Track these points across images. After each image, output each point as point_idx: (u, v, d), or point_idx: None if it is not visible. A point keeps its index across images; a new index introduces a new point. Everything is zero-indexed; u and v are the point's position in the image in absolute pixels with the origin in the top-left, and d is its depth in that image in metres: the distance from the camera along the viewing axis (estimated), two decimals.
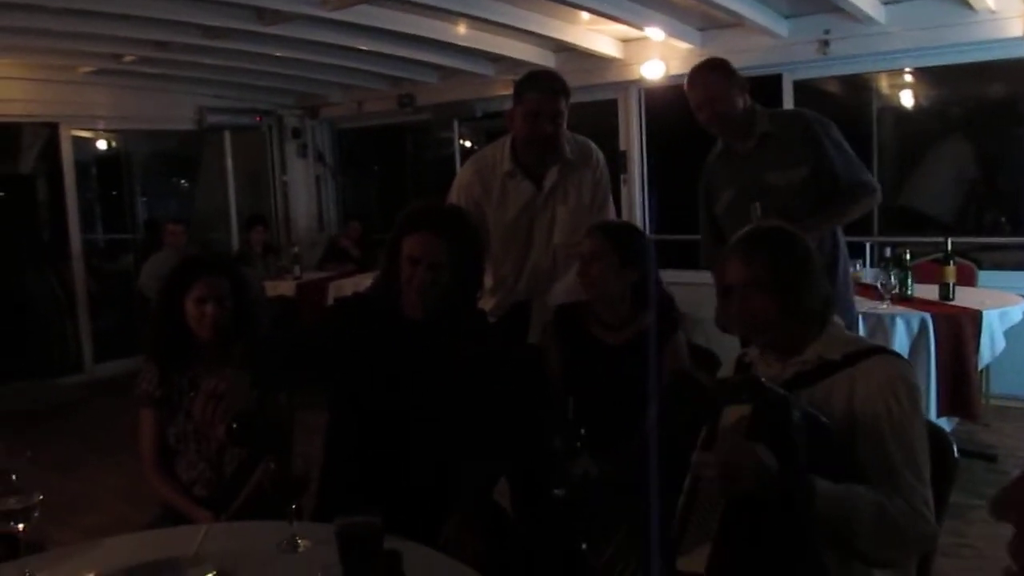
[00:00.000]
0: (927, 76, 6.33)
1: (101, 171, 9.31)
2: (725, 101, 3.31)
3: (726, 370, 2.18)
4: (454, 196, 3.27)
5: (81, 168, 8.06)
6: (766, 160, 3.34)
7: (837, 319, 1.96)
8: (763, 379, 1.73)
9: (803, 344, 1.90)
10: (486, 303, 3.27)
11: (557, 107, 3.08)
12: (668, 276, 7.53)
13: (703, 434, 1.71)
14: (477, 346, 2.33)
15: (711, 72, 3.35)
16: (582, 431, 2.48)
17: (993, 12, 5.14)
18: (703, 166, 3.61)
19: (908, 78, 6.45)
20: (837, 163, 3.28)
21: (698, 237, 3.77)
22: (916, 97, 6.56)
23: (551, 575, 2.29)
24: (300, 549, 1.85)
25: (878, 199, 3.41)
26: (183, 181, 10.10)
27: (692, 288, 5.93)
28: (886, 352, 1.91)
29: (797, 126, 3.35)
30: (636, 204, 7.05)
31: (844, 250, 3.49)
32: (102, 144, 9.23)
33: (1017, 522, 0.86)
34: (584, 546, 2.03)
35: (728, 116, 3.34)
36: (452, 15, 5.77)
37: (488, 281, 3.29)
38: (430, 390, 2.22)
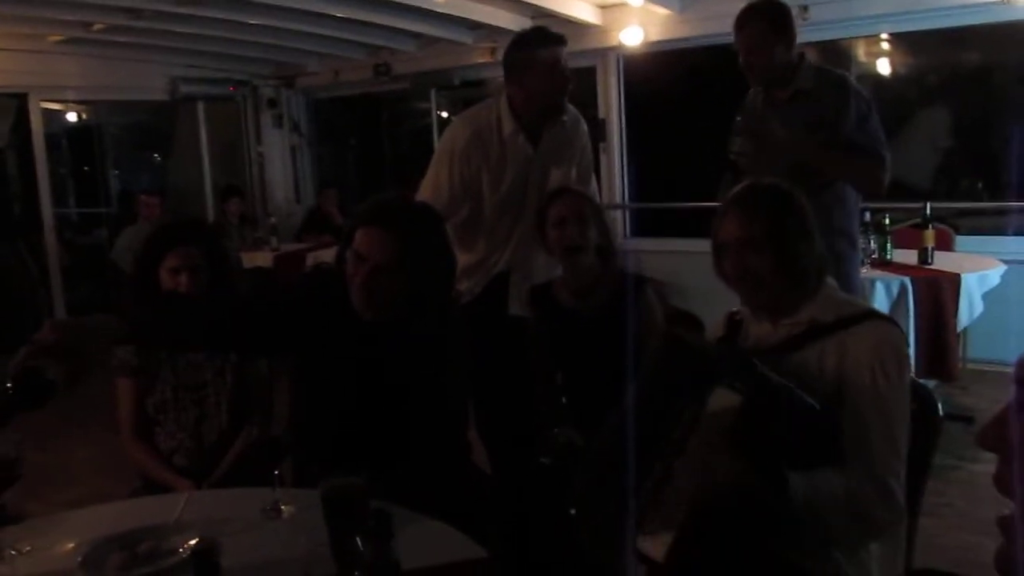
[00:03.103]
0: (905, 43, 6.33)
1: (72, 143, 9.19)
2: (762, 52, 3.23)
3: (711, 331, 2.14)
4: (446, 159, 3.19)
5: (52, 140, 7.93)
6: (791, 115, 3.25)
7: (831, 280, 1.93)
8: (758, 364, 1.65)
9: (796, 305, 1.87)
10: (465, 281, 3.25)
11: (566, 58, 3.12)
12: (648, 244, 7.55)
13: (687, 413, 1.65)
14: (433, 346, 2.14)
15: (757, 18, 3.27)
16: (564, 400, 2.48)
17: None
18: (742, 102, 3.52)
19: (886, 45, 6.44)
20: (853, 133, 3.20)
21: (677, 204, 3.74)
22: (894, 64, 6.56)
23: (538, 539, 2.29)
24: (284, 514, 1.83)
25: (882, 178, 3.26)
26: (156, 153, 9.98)
27: (671, 255, 5.98)
28: (880, 317, 1.89)
29: (834, 89, 3.25)
30: (615, 172, 7.02)
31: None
32: (72, 116, 9.10)
33: (1001, 451, 0.87)
34: (573, 511, 1.99)
35: (764, 67, 3.26)
36: None
37: (475, 256, 3.27)
38: (384, 380, 2.10)
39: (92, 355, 1.81)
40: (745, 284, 1.89)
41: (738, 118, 3.48)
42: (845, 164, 3.24)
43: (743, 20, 3.29)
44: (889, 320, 1.92)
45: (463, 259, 3.21)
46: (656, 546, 1.66)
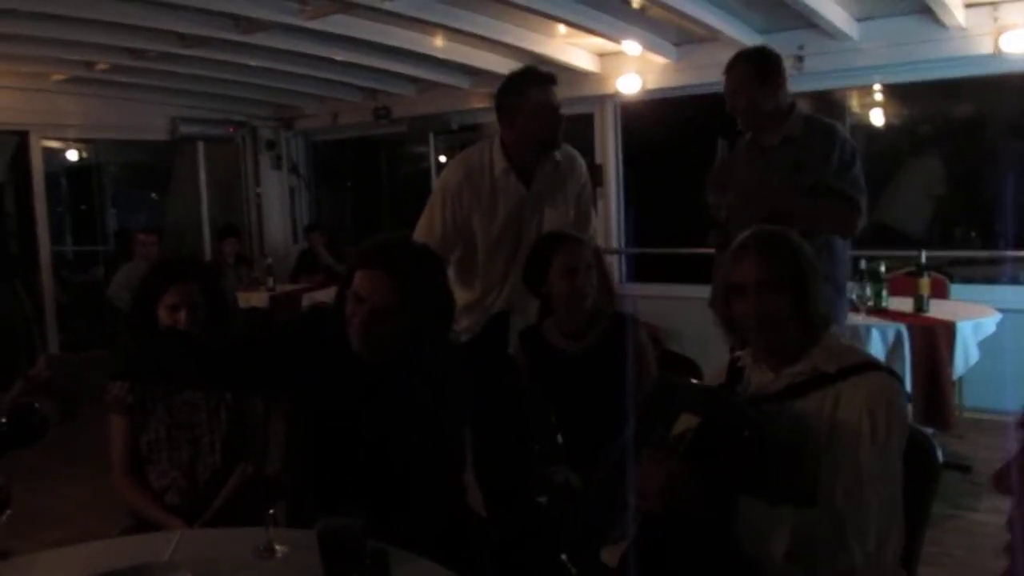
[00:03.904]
0: (899, 93, 6.41)
1: (71, 181, 9.22)
2: (748, 95, 3.29)
3: (711, 377, 2.15)
4: (439, 200, 3.22)
5: (51, 178, 7.96)
6: (779, 162, 3.29)
7: (834, 328, 1.94)
8: (723, 391, 1.74)
9: (800, 352, 1.87)
10: (460, 321, 3.25)
11: (557, 98, 3.14)
12: (645, 289, 7.56)
13: (657, 434, 1.70)
14: (432, 387, 2.12)
15: (742, 63, 3.34)
16: (559, 439, 2.48)
17: (964, 29, 5.20)
18: (733, 150, 3.53)
19: (879, 96, 6.53)
20: (833, 178, 3.24)
21: (674, 251, 3.75)
22: (888, 114, 6.64)
23: None
24: (278, 554, 1.80)
25: (856, 223, 3.31)
26: (154, 193, 10.02)
27: (667, 301, 6.00)
28: (880, 368, 1.88)
29: (822, 138, 3.29)
30: (613, 218, 7.07)
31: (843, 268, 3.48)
32: (72, 154, 9.14)
33: (1018, 494, 0.87)
34: (564, 556, 1.99)
35: (749, 110, 3.31)
36: (429, 26, 5.76)
37: (472, 295, 3.28)
38: (382, 420, 2.08)
39: (86, 391, 1.80)
40: (761, 326, 1.88)
41: (715, 164, 3.52)
42: (817, 210, 3.24)
43: (731, 63, 3.38)
44: (888, 370, 1.90)
45: (463, 297, 3.24)
46: (612, 554, 1.68)
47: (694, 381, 2.01)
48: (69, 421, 1.75)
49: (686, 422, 1.68)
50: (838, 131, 3.34)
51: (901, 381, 1.91)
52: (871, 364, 1.89)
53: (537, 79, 3.15)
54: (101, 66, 6.57)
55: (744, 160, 3.46)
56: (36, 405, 1.69)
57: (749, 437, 1.67)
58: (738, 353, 2.01)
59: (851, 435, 1.74)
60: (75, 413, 1.76)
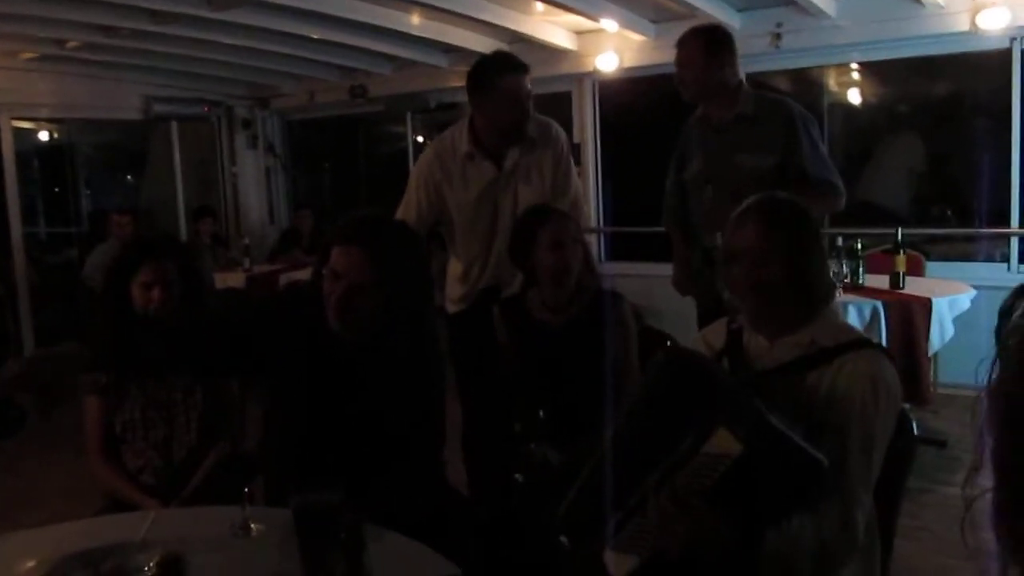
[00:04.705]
0: (876, 71, 6.42)
1: (43, 162, 9.09)
2: (695, 69, 3.33)
3: (708, 332, 2.10)
4: (414, 180, 3.25)
5: (23, 159, 7.85)
6: (738, 140, 3.33)
7: (833, 305, 1.92)
8: (770, 417, 1.55)
9: (797, 324, 1.84)
10: (454, 291, 3.25)
11: (528, 86, 3.10)
12: (622, 268, 7.56)
13: (687, 443, 1.55)
14: (411, 364, 2.12)
15: (692, 37, 3.38)
16: (541, 415, 2.46)
17: (941, 7, 5.22)
18: (682, 128, 3.64)
19: (857, 74, 6.54)
20: (808, 161, 3.29)
21: (652, 229, 3.78)
22: (865, 92, 6.65)
23: (511, 557, 2.25)
24: (253, 532, 1.79)
25: (841, 204, 3.43)
26: (129, 174, 9.91)
27: (645, 279, 6.00)
28: (875, 347, 1.87)
29: (779, 115, 3.34)
30: (591, 196, 7.05)
31: None
32: (44, 134, 9.02)
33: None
34: (564, 539, 1.91)
35: (697, 84, 3.36)
36: (405, 3, 5.72)
37: (458, 269, 3.27)
38: (360, 397, 2.08)
39: (64, 388, 1.78)
40: (756, 295, 1.84)
41: (683, 144, 3.54)
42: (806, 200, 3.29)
43: (682, 38, 3.43)
44: (883, 350, 1.88)
45: (456, 269, 3.32)
46: (619, 565, 1.64)
47: (718, 367, 1.89)
48: (49, 414, 1.73)
49: (723, 442, 1.52)
50: (793, 108, 3.39)
51: (893, 359, 1.90)
52: (867, 342, 1.87)
53: (507, 67, 3.11)
54: (72, 44, 6.47)
55: (697, 138, 3.51)
56: (14, 398, 1.67)
57: (788, 468, 1.56)
58: (732, 317, 1.98)
59: (856, 416, 1.72)
60: (50, 413, 1.74)
